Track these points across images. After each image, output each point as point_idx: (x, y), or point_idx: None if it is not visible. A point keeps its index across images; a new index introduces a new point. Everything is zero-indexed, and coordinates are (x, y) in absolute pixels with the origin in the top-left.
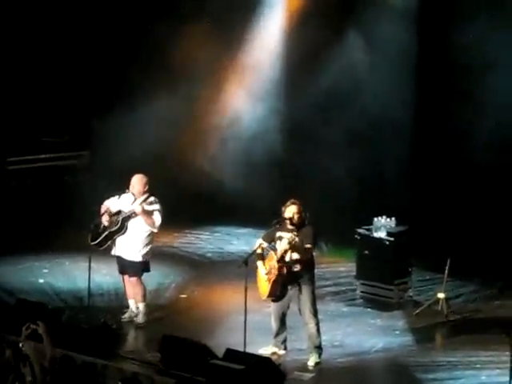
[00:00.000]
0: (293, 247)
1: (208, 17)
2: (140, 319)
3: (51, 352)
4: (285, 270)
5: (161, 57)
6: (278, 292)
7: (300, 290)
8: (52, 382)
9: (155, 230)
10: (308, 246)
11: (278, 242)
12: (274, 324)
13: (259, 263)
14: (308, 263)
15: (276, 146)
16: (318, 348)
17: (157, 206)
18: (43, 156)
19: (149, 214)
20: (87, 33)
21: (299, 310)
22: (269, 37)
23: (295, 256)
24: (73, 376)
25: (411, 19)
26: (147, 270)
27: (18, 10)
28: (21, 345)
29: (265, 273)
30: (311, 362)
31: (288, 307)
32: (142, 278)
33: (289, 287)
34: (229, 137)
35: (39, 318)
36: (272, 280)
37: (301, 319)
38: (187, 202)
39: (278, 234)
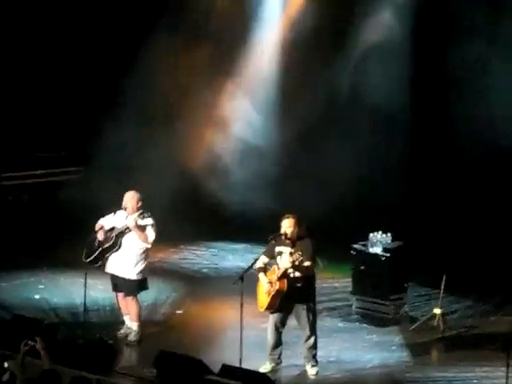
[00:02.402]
0: (295, 267)
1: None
2: (132, 338)
3: (49, 367)
4: (285, 287)
5: (158, 72)
6: (277, 305)
7: (302, 305)
8: None
9: (148, 246)
10: (308, 263)
11: (279, 257)
12: (270, 337)
13: (261, 275)
14: (309, 278)
15: (273, 160)
16: (315, 359)
17: (150, 221)
18: (39, 172)
19: (142, 229)
20: (82, 47)
21: (300, 323)
22: (267, 47)
23: (297, 274)
24: None
25: (408, 13)
26: (144, 288)
27: (11, 23)
28: (6, 364)
29: (266, 282)
30: (313, 371)
31: (286, 322)
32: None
33: (291, 302)
34: (225, 151)
35: (35, 333)
36: (272, 294)
37: (300, 334)
38: (184, 217)
39: (277, 249)
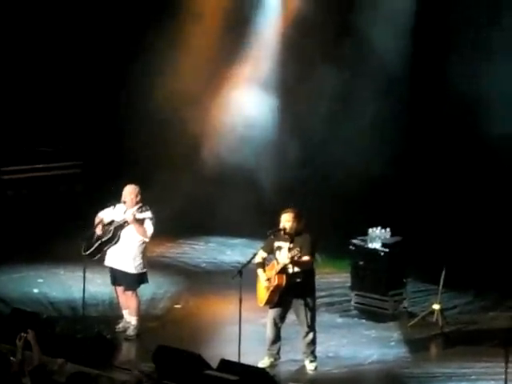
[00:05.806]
0: (294, 262)
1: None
2: (130, 332)
3: (39, 360)
4: (284, 282)
5: (162, 63)
6: (276, 300)
7: (301, 300)
8: None
9: (147, 240)
10: (307, 258)
11: (278, 252)
12: (269, 332)
13: (260, 271)
14: (308, 273)
15: (272, 154)
16: (314, 355)
17: (149, 215)
18: (38, 166)
19: (140, 222)
20: (82, 42)
21: (299, 319)
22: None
23: (296, 269)
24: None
25: None
26: (143, 281)
27: (15, 18)
28: None
29: (265, 280)
30: (311, 367)
31: (285, 317)
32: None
33: (290, 297)
34: (226, 144)
35: (34, 327)
36: (270, 289)
37: (299, 329)
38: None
39: (276, 243)
